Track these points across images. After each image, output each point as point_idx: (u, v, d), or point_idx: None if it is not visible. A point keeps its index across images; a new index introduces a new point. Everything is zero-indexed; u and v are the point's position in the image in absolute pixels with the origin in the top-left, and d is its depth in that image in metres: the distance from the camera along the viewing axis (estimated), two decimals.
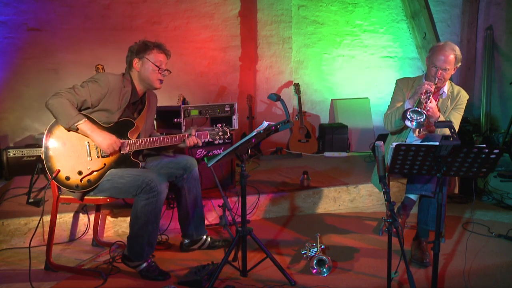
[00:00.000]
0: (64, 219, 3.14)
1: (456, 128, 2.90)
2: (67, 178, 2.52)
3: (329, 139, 5.57)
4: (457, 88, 3.03)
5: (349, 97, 6.24)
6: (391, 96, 3.13)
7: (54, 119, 2.51)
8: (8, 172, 4.27)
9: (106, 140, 2.51)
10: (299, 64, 6.05)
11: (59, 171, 2.50)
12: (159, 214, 2.55)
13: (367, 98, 6.29)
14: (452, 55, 2.83)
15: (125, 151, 2.62)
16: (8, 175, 4.25)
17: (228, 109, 3.80)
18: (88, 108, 2.57)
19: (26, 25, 4.88)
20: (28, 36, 4.89)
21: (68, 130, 2.51)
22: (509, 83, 5.90)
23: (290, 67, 5.82)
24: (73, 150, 2.54)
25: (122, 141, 2.59)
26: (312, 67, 6.12)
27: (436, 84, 2.83)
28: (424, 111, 2.63)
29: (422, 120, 2.61)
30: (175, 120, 3.69)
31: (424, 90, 2.72)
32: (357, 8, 6.21)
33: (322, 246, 2.82)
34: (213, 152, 3.61)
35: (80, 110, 2.53)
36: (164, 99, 5.32)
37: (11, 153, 4.28)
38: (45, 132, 2.52)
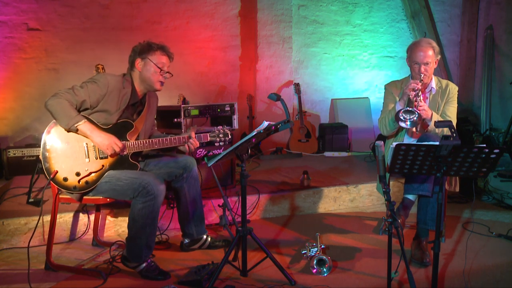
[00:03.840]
0: (64, 219, 3.15)
1: (454, 121, 2.92)
2: (65, 179, 2.51)
3: (329, 139, 5.57)
4: (444, 82, 3.06)
5: (349, 97, 6.24)
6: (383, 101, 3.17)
7: (53, 120, 2.50)
8: (8, 172, 4.26)
9: (105, 141, 2.49)
10: (299, 64, 6.05)
11: (57, 172, 2.49)
12: (156, 217, 2.55)
13: (367, 98, 6.29)
14: (430, 48, 2.89)
15: (123, 153, 2.60)
16: (8, 175, 4.25)
17: (228, 108, 3.80)
18: (87, 109, 2.55)
19: (26, 25, 4.87)
20: (28, 36, 4.88)
21: (68, 131, 2.50)
22: (509, 83, 5.89)
23: (290, 67, 5.82)
24: (71, 151, 2.52)
25: (122, 142, 2.57)
26: (312, 67, 6.12)
27: (422, 80, 2.87)
28: (415, 109, 2.65)
29: (415, 118, 2.63)
30: (175, 120, 3.69)
31: (411, 88, 2.76)
32: (357, 8, 6.21)
33: (322, 246, 2.82)
34: (213, 152, 3.62)
35: (79, 111, 2.52)
36: (164, 99, 5.29)
37: (11, 153, 4.28)
38: (44, 133, 2.51)
